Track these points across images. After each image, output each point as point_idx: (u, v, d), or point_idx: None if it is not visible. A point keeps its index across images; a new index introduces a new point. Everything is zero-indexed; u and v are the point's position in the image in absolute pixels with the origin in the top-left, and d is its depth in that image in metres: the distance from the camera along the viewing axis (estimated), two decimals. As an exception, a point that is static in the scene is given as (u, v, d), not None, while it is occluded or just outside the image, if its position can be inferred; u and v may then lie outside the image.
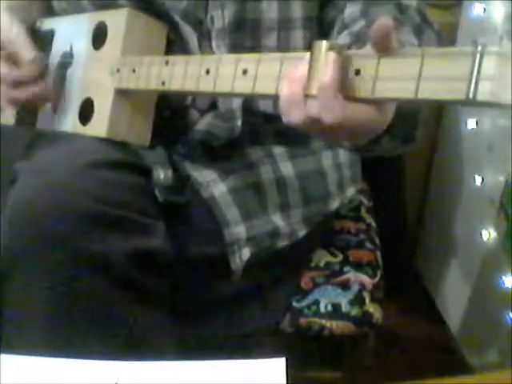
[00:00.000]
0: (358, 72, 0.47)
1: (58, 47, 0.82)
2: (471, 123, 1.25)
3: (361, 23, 0.69)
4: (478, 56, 0.39)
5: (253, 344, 0.83)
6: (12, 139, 0.75)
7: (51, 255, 0.60)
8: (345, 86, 0.48)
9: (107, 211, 0.62)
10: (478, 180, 1.21)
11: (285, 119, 0.52)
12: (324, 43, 0.48)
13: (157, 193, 0.69)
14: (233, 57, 0.58)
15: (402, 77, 0.44)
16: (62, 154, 0.67)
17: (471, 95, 0.39)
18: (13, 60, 0.74)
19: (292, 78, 0.50)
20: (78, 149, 0.69)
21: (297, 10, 0.75)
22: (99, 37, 0.75)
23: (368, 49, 0.47)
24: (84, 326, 0.61)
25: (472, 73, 0.39)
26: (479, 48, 0.39)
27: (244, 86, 0.56)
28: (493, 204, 1.13)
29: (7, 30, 0.75)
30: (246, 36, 0.75)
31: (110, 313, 0.62)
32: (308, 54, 0.50)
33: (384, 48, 0.46)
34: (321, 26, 0.77)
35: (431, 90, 0.42)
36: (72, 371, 0.49)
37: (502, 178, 1.10)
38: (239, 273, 0.74)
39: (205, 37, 0.74)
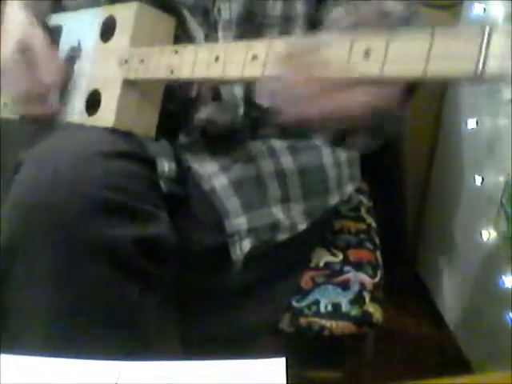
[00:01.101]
0: (367, 53, 0.48)
1: (66, 42, 0.83)
2: (471, 123, 1.25)
3: (345, 20, 0.72)
4: (486, 34, 0.40)
5: (253, 344, 0.83)
6: (16, 133, 0.75)
7: (55, 240, 0.60)
8: None
9: (111, 197, 0.62)
10: (478, 180, 1.21)
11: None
12: None
13: (161, 184, 0.70)
14: (242, 44, 0.60)
15: (410, 57, 0.45)
16: (66, 144, 0.68)
17: (479, 72, 0.41)
18: (33, 66, 0.74)
19: None
20: (83, 139, 0.70)
21: (299, 7, 0.77)
22: (108, 30, 0.76)
23: None
24: (87, 311, 0.60)
25: (480, 50, 0.40)
26: (487, 27, 0.40)
27: (253, 71, 0.58)
28: (493, 204, 1.13)
29: (30, 31, 0.76)
30: (250, 29, 0.77)
31: (113, 298, 0.62)
32: None
33: None
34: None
35: (440, 69, 0.44)
36: (72, 371, 0.49)
37: (501, 178, 1.10)
38: (240, 264, 0.74)
39: (211, 28, 0.76)
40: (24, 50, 0.74)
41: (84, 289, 0.60)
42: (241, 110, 0.78)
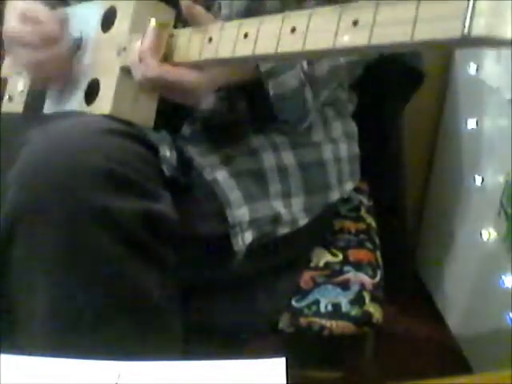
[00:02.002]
0: (355, 23, 0.47)
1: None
2: (471, 123, 1.25)
3: None
4: None
5: (253, 344, 0.83)
6: (20, 127, 0.75)
7: (63, 208, 0.59)
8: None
9: (120, 171, 0.62)
10: (478, 180, 1.21)
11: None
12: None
13: (164, 168, 0.69)
14: (235, 23, 0.60)
15: (398, 21, 0.44)
16: (75, 122, 0.68)
17: (466, 31, 0.39)
18: (35, 22, 0.76)
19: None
20: (91, 119, 0.70)
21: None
22: (108, 20, 0.77)
23: None
24: (89, 284, 0.60)
25: (467, 9, 0.39)
26: None
27: (245, 49, 0.57)
28: (493, 204, 1.13)
29: (28, 3, 0.79)
30: None
31: (116, 273, 0.61)
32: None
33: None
34: None
35: (427, 31, 0.43)
36: (72, 371, 0.49)
37: (501, 178, 1.10)
38: (241, 254, 0.74)
39: None
40: (25, 16, 0.76)
41: (87, 261, 0.60)
42: (243, 102, 0.78)
